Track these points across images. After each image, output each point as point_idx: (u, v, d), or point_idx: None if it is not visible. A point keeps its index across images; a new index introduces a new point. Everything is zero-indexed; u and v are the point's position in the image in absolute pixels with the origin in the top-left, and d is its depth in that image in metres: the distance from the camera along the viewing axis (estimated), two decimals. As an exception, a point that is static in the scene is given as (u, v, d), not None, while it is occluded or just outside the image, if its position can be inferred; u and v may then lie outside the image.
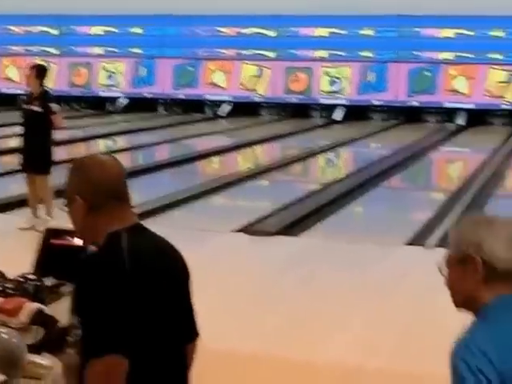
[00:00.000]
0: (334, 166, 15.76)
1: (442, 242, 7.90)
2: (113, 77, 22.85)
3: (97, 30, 22.87)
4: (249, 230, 8.44)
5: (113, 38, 22.64)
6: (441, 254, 7.24)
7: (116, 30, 22.66)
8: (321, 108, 21.44)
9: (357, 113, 20.75)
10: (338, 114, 20.93)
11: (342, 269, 7.09)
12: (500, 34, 20.01)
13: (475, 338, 2.13)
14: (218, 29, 21.83)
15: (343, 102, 21.11)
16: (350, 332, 5.53)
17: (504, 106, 20.11)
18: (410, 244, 8.17)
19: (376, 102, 20.89)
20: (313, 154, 15.31)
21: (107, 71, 22.88)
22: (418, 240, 8.30)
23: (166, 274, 2.55)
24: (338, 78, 21.16)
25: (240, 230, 8.46)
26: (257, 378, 4.83)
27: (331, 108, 21.17)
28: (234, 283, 6.56)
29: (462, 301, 2.27)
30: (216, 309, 5.76)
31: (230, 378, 4.80)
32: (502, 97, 20.06)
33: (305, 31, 21.23)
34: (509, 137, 17.82)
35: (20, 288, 3.99)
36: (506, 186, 13.15)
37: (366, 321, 5.75)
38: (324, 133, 19.37)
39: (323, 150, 15.93)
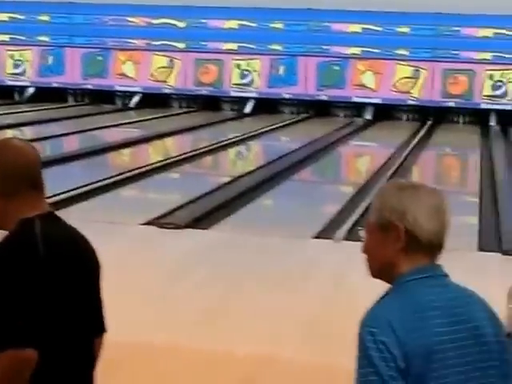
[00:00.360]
0: (244, 159, 15.82)
1: (350, 235, 8.04)
2: (20, 65, 22.41)
3: (2, 16, 22.36)
4: (158, 222, 8.41)
5: (19, 26, 22.18)
6: (349, 247, 7.33)
7: (22, 17, 22.20)
8: (231, 101, 21.47)
9: (267, 106, 20.84)
10: (248, 107, 20.99)
11: (251, 262, 7.13)
12: (406, 30, 20.36)
13: (384, 307, 2.09)
14: (128, 18, 21.62)
15: (253, 94, 21.18)
16: (259, 324, 5.57)
17: (410, 102, 20.49)
18: (319, 237, 8.27)
19: (286, 96, 21.02)
20: (223, 146, 15.33)
21: (14, 59, 22.42)
22: (326, 233, 8.41)
23: (79, 264, 2.52)
24: (248, 70, 21.21)
25: (149, 223, 8.42)
26: (168, 370, 4.84)
27: (242, 101, 21.21)
28: (143, 276, 6.54)
29: (378, 268, 2.19)
30: (126, 302, 5.73)
31: (141, 370, 4.79)
32: (408, 92, 20.43)
33: (214, 23, 21.20)
34: (415, 132, 18.18)
35: None
36: (412, 179, 13.39)
37: (274, 313, 5.80)
38: (234, 125, 19.41)
39: (234, 143, 15.96)
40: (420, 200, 2.15)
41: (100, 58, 21.92)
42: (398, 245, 2.14)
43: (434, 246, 2.17)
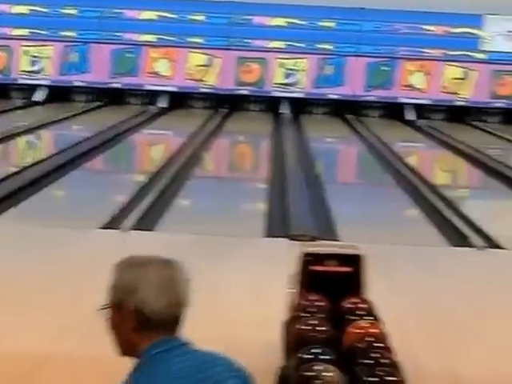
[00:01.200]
0: (34, 149, 15.35)
1: (138, 225, 7.95)
2: None
3: None
4: None
5: None
6: (136, 236, 7.21)
7: None
8: (21, 88, 20.76)
9: (59, 94, 20.32)
10: (38, 95, 20.37)
11: (33, 254, 6.87)
12: (200, 18, 20.41)
13: None
14: None
15: (44, 82, 20.58)
16: (38, 319, 5.36)
17: (204, 90, 20.58)
18: (107, 227, 8.10)
19: (78, 83, 20.57)
20: (11, 136, 14.79)
21: None
22: (114, 223, 8.25)
23: None
24: (39, 57, 20.57)
25: None
26: None
27: (32, 88, 20.55)
28: None
29: (120, 347, 2.20)
30: None
31: None
32: (202, 80, 20.50)
33: (1, 8, 20.40)
34: (209, 119, 18.29)
35: None
36: (204, 167, 13.54)
37: (56, 307, 5.60)
38: (24, 114, 18.80)
39: (23, 132, 15.43)
40: (148, 277, 2.14)
41: None
42: (130, 324, 2.15)
43: (168, 322, 2.16)
